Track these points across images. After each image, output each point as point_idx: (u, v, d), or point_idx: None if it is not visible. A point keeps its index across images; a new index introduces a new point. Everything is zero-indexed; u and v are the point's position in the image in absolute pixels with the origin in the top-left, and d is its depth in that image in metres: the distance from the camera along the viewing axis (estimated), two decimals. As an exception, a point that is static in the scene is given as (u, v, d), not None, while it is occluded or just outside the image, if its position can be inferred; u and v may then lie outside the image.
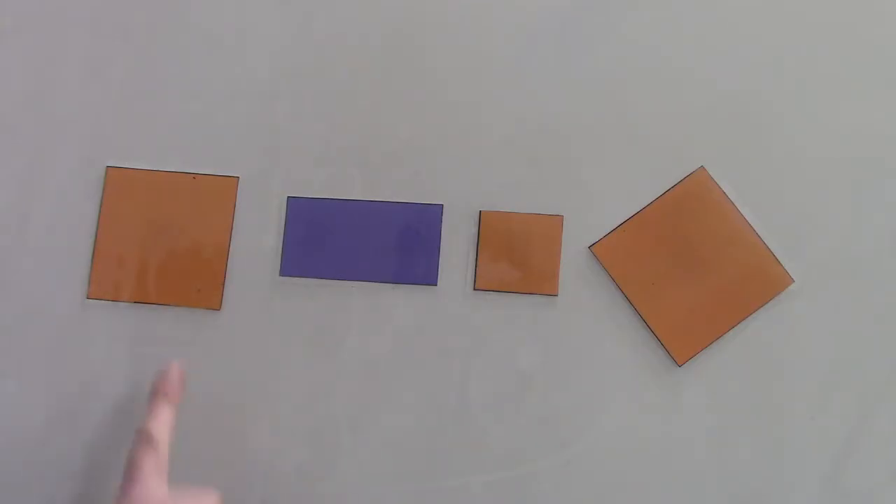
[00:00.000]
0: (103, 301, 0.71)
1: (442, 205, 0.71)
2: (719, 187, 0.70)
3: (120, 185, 0.72)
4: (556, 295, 0.69)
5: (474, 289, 0.70)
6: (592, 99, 0.71)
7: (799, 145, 0.70)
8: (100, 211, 0.72)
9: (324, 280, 0.70)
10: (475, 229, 0.70)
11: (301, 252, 0.71)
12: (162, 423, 0.61)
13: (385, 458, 0.69)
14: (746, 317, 0.68)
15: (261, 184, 0.72)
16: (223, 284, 0.70)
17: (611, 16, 0.72)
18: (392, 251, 0.70)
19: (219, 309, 0.70)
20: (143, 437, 0.59)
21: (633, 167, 0.70)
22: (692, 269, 0.69)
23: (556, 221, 0.70)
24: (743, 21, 0.71)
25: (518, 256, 0.70)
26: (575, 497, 0.68)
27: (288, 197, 0.71)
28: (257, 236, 0.71)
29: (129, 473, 0.58)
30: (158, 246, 0.71)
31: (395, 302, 0.70)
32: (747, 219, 0.69)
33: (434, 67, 0.72)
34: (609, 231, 0.70)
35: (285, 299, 0.70)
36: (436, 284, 0.70)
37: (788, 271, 0.69)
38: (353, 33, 0.73)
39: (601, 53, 0.72)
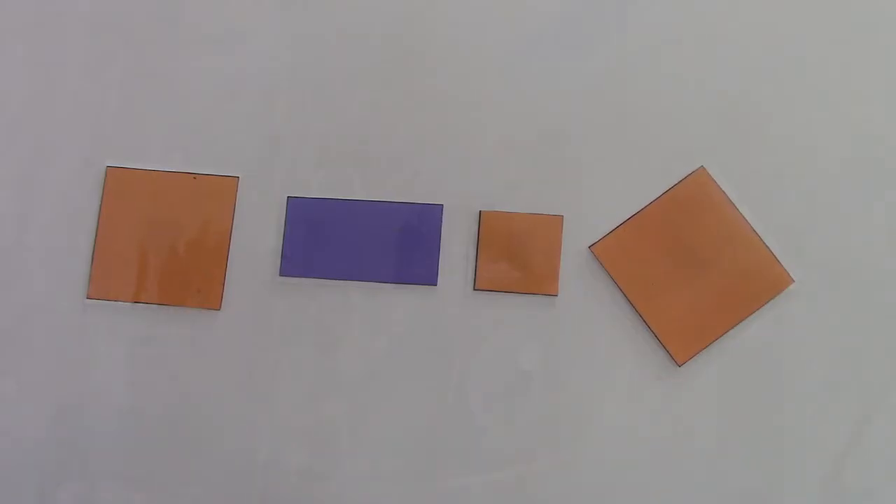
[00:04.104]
0: (103, 301, 0.71)
1: (442, 205, 0.71)
2: (719, 187, 0.70)
3: (120, 185, 0.72)
4: (556, 295, 0.69)
5: (474, 289, 0.70)
6: (592, 99, 0.71)
7: (799, 146, 0.70)
8: (100, 211, 0.72)
9: (324, 280, 0.70)
10: (475, 229, 0.70)
11: (301, 252, 0.71)
12: None
13: (385, 458, 0.69)
14: (746, 317, 0.68)
15: (261, 184, 0.72)
16: (223, 284, 0.70)
17: (610, 17, 0.72)
18: (392, 251, 0.70)
19: (219, 309, 0.70)
20: None
21: (633, 167, 0.70)
22: (692, 269, 0.69)
23: (556, 221, 0.70)
24: (743, 22, 0.71)
25: (518, 256, 0.70)
26: (575, 497, 0.68)
27: (288, 197, 0.71)
28: (257, 236, 0.71)
29: None
30: (158, 246, 0.71)
31: (395, 302, 0.70)
32: (747, 219, 0.69)
33: (434, 68, 0.72)
34: (609, 231, 0.70)
35: (285, 299, 0.70)
36: (436, 284, 0.70)
37: (788, 271, 0.69)
38: (352, 34, 0.73)
39: (601, 54, 0.72)
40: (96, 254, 0.71)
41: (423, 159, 0.71)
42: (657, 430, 0.68)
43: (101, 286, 0.71)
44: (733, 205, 0.69)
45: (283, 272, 0.71)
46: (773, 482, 0.67)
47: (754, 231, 0.69)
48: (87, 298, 0.71)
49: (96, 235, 0.71)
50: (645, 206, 0.70)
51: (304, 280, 0.71)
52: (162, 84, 0.73)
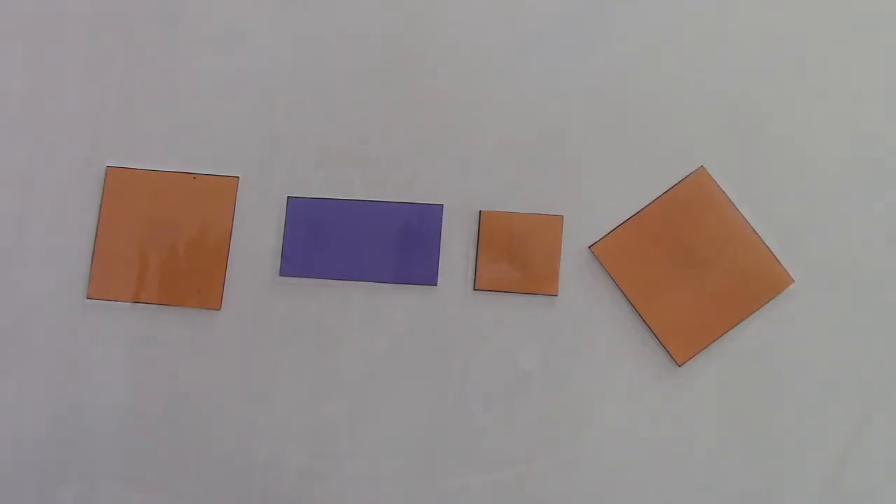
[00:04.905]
0: (103, 301, 0.71)
1: (442, 205, 0.71)
2: (719, 187, 0.70)
3: (120, 185, 0.72)
4: (556, 295, 0.69)
5: (474, 289, 0.70)
6: (592, 99, 0.71)
7: (799, 145, 0.70)
8: (100, 211, 0.72)
9: (324, 280, 0.70)
10: (475, 229, 0.70)
11: (301, 252, 0.71)
12: None
13: (385, 458, 0.69)
14: (746, 317, 0.68)
15: (261, 184, 0.72)
16: (223, 284, 0.70)
17: (610, 17, 0.72)
18: (392, 251, 0.70)
19: (219, 309, 0.70)
20: None
21: (633, 167, 0.70)
22: (692, 269, 0.69)
23: (556, 221, 0.70)
24: (743, 22, 0.71)
25: (518, 256, 0.70)
26: (575, 497, 0.68)
27: (288, 197, 0.71)
28: (257, 236, 0.71)
29: None
30: (158, 246, 0.71)
31: (395, 302, 0.70)
32: (747, 219, 0.69)
33: (434, 68, 0.72)
34: (609, 231, 0.70)
35: (285, 299, 0.70)
36: (436, 284, 0.70)
37: (788, 271, 0.69)
38: (352, 34, 0.73)
39: (601, 54, 0.72)
40: (96, 254, 0.71)
41: (423, 159, 0.71)
42: (657, 430, 0.68)
43: (101, 286, 0.71)
44: (733, 205, 0.69)
45: (283, 272, 0.71)
46: (773, 482, 0.67)
47: (754, 231, 0.69)
48: (87, 298, 0.71)
49: (96, 235, 0.71)
50: (645, 206, 0.70)
51: (304, 280, 0.71)
52: (162, 84, 0.73)
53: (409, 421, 0.69)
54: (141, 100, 0.73)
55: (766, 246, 0.69)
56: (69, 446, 0.70)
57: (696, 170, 0.70)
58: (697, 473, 0.68)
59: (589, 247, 0.70)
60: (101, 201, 0.72)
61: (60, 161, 0.72)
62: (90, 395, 0.70)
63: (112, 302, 0.71)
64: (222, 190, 0.72)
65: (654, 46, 0.71)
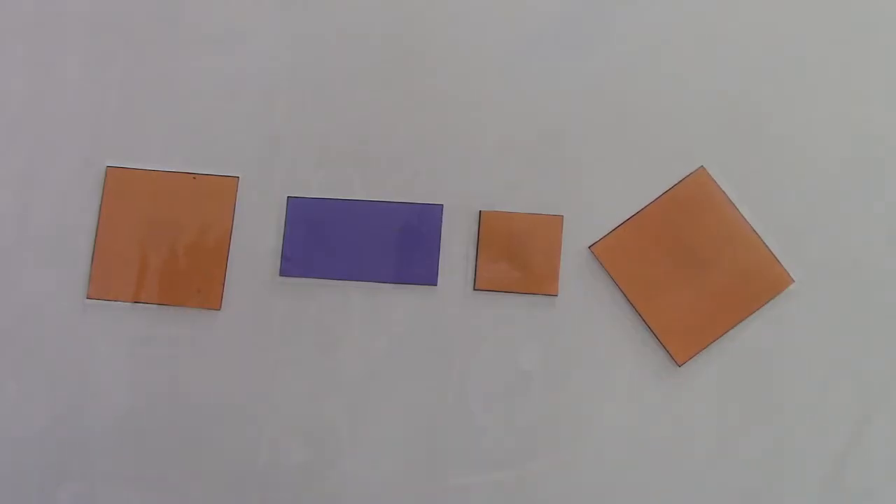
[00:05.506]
0: (103, 301, 0.71)
1: (442, 205, 0.71)
2: (719, 187, 0.70)
3: (120, 185, 0.72)
4: (556, 295, 0.69)
5: (474, 289, 0.70)
6: (592, 99, 0.71)
7: (799, 146, 0.70)
8: (100, 211, 0.72)
9: (324, 280, 0.70)
10: (475, 229, 0.70)
11: (301, 252, 0.71)
12: None
13: (385, 458, 0.69)
14: (746, 317, 0.68)
15: (261, 184, 0.72)
16: (223, 284, 0.70)
17: (610, 17, 0.72)
18: (392, 251, 0.70)
19: (219, 309, 0.70)
20: None
21: (633, 167, 0.70)
22: (692, 269, 0.69)
23: (556, 221, 0.70)
24: (743, 22, 0.71)
25: (518, 256, 0.70)
26: (575, 497, 0.68)
27: (288, 197, 0.71)
28: (257, 236, 0.71)
29: None
30: (158, 246, 0.71)
31: (395, 302, 0.70)
32: (747, 219, 0.69)
33: (434, 68, 0.72)
34: (609, 231, 0.70)
35: (285, 299, 0.70)
36: (436, 284, 0.70)
37: (788, 271, 0.69)
38: (352, 34, 0.73)
39: (601, 54, 0.72)
40: (96, 254, 0.71)
41: (423, 159, 0.71)
42: (657, 430, 0.68)
43: (101, 286, 0.71)
44: (733, 205, 0.70)
45: (283, 272, 0.71)
46: (773, 482, 0.67)
47: (754, 231, 0.69)
48: (87, 298, 0.71)
49: (96, 235, 0.71)
50: (645, 206, 0.70)
51: (304, 280, 0.71)
52: (162, 84, 0.73)
53: (409, 421, 0.69)
54: (141, 100, 0.73)
55: (766, 246, 0.69)
56: (69, 446, 0.70)
57: (696, 170, 0.70)
58: (697, 473, 0.68)
59: (589, 247, 0.70)
60: (101, 201, 0.72)
61: (60, 161, 0.72)
62: (90, 395, 0.70)
63: (112, 302, 0.71)
64: (222, 190, 0.72)
65: (654, 46, 0.71)
